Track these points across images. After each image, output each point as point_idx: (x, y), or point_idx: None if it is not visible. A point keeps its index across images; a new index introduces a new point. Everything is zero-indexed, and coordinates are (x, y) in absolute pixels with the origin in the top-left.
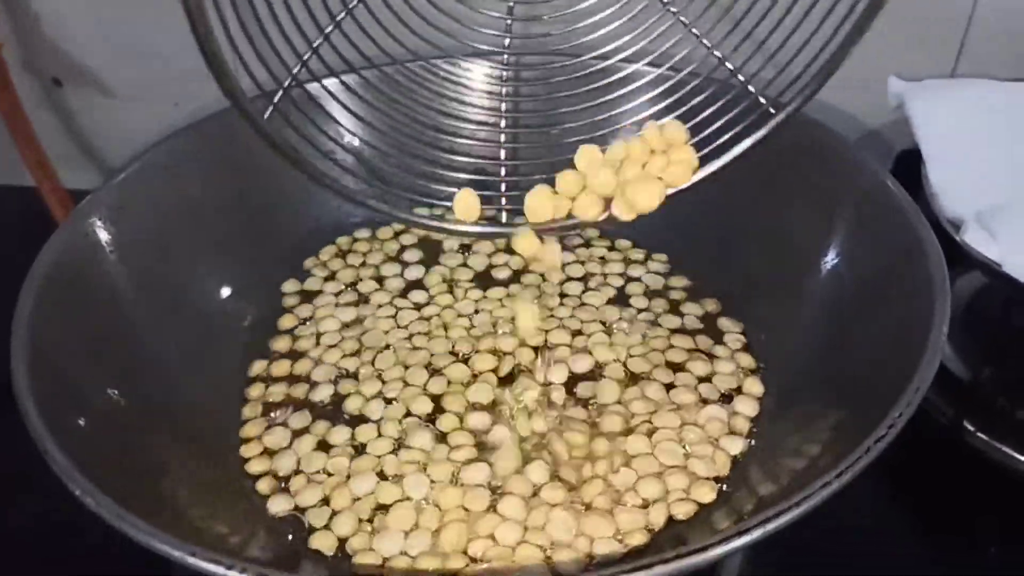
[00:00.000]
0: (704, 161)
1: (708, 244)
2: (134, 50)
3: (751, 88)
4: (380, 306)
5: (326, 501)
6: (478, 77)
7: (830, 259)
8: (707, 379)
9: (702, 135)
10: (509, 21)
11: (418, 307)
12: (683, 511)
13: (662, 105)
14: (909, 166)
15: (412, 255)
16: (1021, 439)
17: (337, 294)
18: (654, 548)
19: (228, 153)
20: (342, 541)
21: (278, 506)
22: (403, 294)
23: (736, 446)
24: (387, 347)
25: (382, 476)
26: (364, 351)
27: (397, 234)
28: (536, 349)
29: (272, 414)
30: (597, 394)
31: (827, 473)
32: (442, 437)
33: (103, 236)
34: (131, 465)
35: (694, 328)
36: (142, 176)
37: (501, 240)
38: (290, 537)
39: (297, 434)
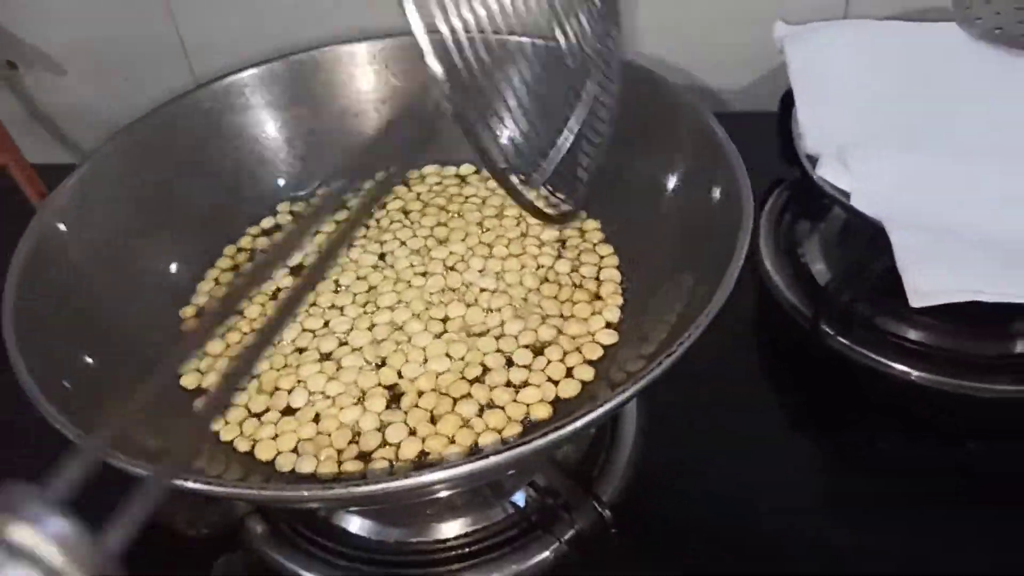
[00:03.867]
0: None
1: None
2: (82, 29)
3: None
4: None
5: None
6: None
7: (671, 184)
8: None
9: None
10: None
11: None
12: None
13: None
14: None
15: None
16: (869, 339)
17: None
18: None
19: (167, 146)
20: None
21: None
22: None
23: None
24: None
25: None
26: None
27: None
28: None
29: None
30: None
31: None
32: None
33: (65, 228)
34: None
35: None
36: (94, 174)
37: None
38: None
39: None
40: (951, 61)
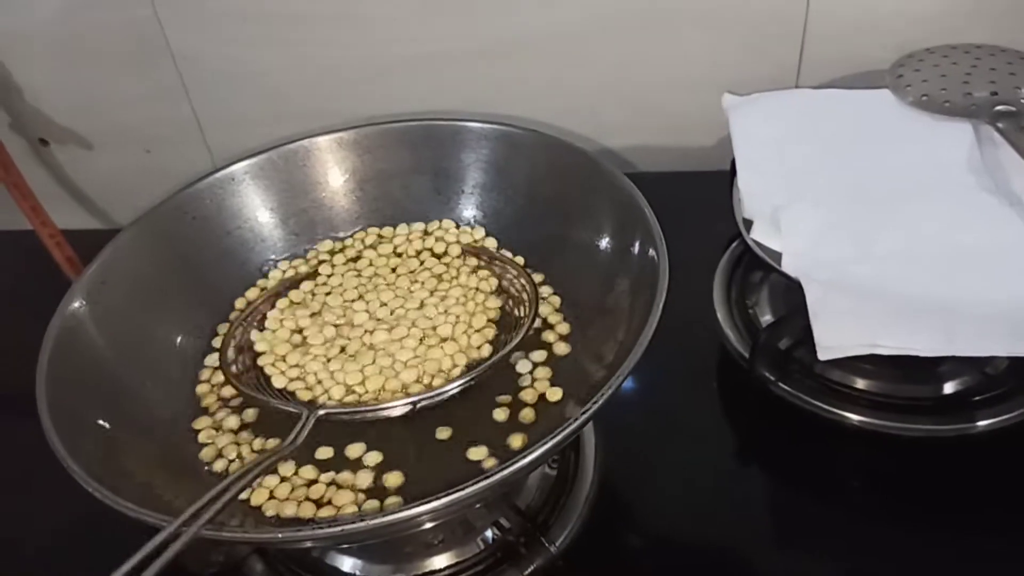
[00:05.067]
0: None
1: (536, 240)
2: (106, 107)
3: None
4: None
5: None
6: None
7: (604, 242)
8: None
9: None
10: None
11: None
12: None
13: None
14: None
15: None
16: (809, 385)
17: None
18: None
19: (170, 236)
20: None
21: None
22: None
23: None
24: None
25: None
26: None
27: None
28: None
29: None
30: None
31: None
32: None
33: (85, 309)
34: (119, 468)
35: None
36: (109, 263)
37: None
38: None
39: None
40: (883, 125)
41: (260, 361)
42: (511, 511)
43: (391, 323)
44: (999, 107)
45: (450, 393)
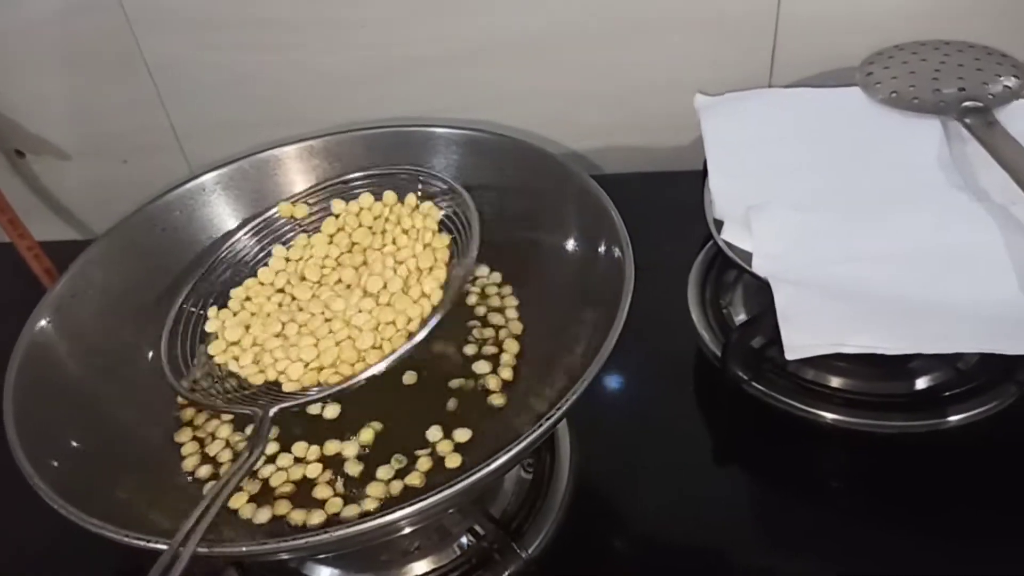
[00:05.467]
0: None
1: (505, 243)
2: (81, 118)
3: None
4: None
5: None
6: None
7: (571, 243)
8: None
9: None
10: None
11: None
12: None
13: None
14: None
15: None
16: (782, 384)
17: None
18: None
19: (140, 249)
20: None
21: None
22: None
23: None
24: None
25: None
26: None
27: None
28: None
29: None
30: None
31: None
32: None
33: (52, 327)
34: (89, 487)
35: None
36: (78, 277)
37: None
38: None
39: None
40: (853, 123)
41: (210, 350)
42: (484, 518)
43: (344, 293)
44: (967, 103)
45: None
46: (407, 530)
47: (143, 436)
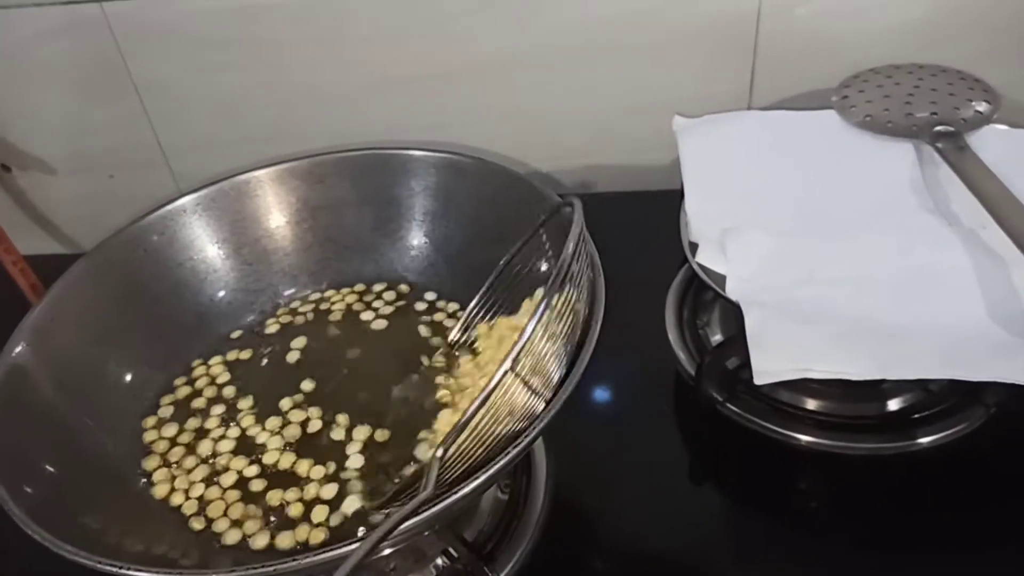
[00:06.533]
0: None
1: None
2: (68, 133)
3: None
4: None
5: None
6: None
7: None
8: None
9: None
10: None
11: None
12: None
13: None
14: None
15: None
16: (756, 407)
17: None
18: None
19: (120, 271)
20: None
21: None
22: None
23: None
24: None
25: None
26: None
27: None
28: None
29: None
30: None
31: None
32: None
33: (30, 350)
34: (63, 512)
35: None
36: (58, 300)
37: None
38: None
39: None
40: (828, 146)
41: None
42: (457, 540)
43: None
44: (939, 127)
45: None
46: (387, 551)
47: (115, 462)
